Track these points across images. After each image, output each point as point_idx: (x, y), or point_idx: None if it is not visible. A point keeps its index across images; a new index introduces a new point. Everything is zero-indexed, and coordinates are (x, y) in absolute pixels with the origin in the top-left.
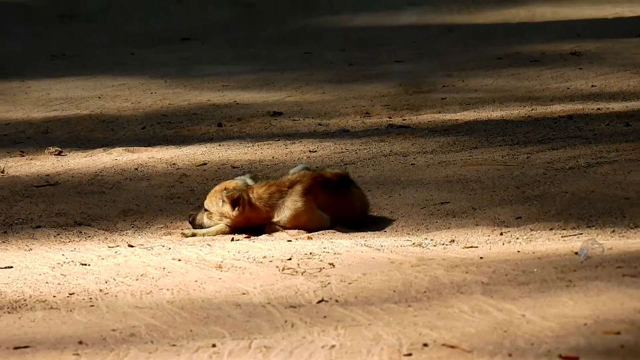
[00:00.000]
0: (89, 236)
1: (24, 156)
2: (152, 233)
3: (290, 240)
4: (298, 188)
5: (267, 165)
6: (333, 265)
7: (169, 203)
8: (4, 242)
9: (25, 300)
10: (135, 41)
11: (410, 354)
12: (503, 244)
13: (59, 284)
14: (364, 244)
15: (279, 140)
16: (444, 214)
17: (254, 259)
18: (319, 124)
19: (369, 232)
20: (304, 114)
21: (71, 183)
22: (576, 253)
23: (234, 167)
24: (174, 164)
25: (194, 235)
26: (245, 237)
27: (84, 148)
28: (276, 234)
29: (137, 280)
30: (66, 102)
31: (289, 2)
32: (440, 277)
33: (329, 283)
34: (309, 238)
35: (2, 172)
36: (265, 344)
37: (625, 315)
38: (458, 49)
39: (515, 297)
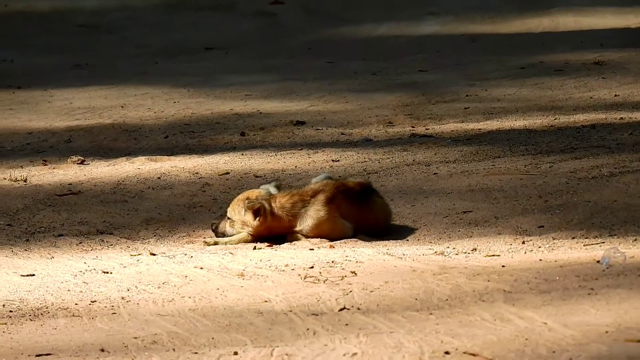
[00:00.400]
0: (111, 244)
1: (46, 165)
2: (174, 241)
3: (313, 249)
4: (321, 197)
5: (290, 174)
6: (355, 274)
7: (191, 212)
8: (26, 250)
9: (47, 308)
10: (158, 51)
11: None
12: (525, 252)
13: (81, 291)
14: (386, 253)
15: (301, 149)
16: (466, 223)
17: (276, 267)
18: (342, 134)
19: (391, 240)
20: (327, 124)
21: (94, 192)
22: (598, 261)
23: (256, 176)
24: (196, 173)
25: (216, 243)
26: (268, 246)
27: (106, 157)
28: (298, 243)
29: (159, 288)
30: (89, 112)
31: (312, 13)
32: (462, 286)
33: (350, 291)
34: (331, 247)
35: (25, 180)
36: (287, 351)
37: None
38: (481, 59)
39: (537, 305)
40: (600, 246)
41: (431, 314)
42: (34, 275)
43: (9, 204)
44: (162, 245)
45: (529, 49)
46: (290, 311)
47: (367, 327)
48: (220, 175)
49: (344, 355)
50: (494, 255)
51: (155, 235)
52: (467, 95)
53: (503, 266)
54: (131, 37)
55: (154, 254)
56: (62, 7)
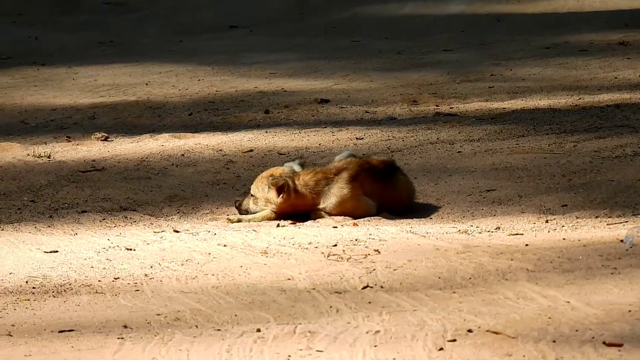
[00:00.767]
0: (135, 221)
1: (70, 141)
2: (197, 218)
3: (336, 227)
4: (344, 175)
5: (314, 152)
6: (378, 252)
7: (214, 189)
8: (49, 226)
9: (70, 285)
10: (183, 29)
11: (454, 340)
12: (548, 231)
13: (104, 268)
14: (410, 231)
15: (325, 127)
16: (489, 202)
17: (300, 245)
18: (366, 112)
19: (414, 219)
20: (351, 102)
21: (117, 168)
22: (621, 241)
23: (280, 154)
24: (220, 150)
25: (239, 221)
26: (291, 224)
27: (130, 134)
28: (322, 221)
29: (182, 265)
30: (113, 89)
31: None
32: (486, 264)
33: (374, 269)
34: (354, 225)
35: (49, 157)
36: (310, 329)
37: None
38: (506, 38)
39: (560, 284)
40: (624, 225)
41: (454, 292)
42: (57, 251)
43: (33, 180)
44: (185, 222)
45: (554, 29)
46: (314, 289)
47: (390, 305)
48: (244, 152)
49: (367, 332)
50: (517, 234)
51: (178, 212)
52: (491, 75)
53: (526, 245)
54: (156, 15)
55: (177, 231)
56: None
